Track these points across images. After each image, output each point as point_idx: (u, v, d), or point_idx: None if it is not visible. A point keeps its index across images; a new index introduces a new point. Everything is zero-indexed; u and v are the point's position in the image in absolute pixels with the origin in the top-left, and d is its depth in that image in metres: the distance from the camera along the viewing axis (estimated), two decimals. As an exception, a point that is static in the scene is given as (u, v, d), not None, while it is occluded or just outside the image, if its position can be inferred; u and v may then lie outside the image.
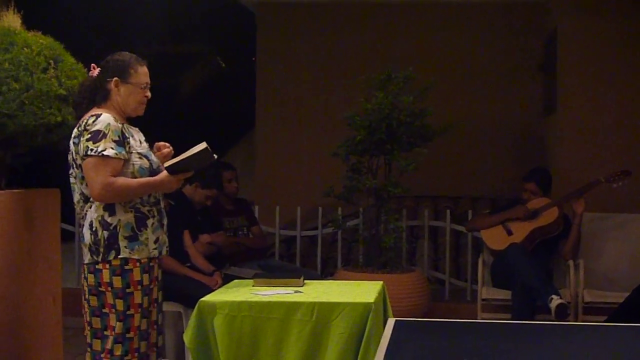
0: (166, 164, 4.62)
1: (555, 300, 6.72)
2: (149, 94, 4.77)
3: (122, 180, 4.51)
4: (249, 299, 4.89)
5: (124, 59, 4.72)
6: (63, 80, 5.32)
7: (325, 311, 4.79)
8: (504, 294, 7.22)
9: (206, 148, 4.59)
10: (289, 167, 11.41)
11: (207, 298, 4.96)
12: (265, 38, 11.80)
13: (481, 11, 11.19)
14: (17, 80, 5.20)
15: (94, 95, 4.68)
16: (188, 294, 6.21)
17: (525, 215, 7.45)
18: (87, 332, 4.65)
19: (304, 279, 5.42)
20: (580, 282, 7.25)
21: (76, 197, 4.65)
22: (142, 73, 4.74)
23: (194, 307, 4.95)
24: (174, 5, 12.93)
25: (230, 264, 7.31)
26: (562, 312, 6.69)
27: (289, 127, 11.50)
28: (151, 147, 4.87)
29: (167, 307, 6.52)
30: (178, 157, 4.62)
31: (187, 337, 4.89)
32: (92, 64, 4.79)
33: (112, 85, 4.66)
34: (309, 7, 11.44)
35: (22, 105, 5.18)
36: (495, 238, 7.50)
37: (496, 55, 11.17)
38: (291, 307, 4.81)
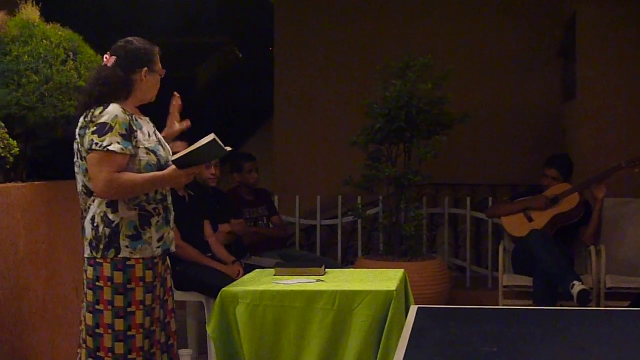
0: (173, 157, 4.40)
1: (577, 287, 6.70)
2: (163, 73, 4.62)
3: (126, 176, 4.30)
4: (271, 288, 4.90)
5: (145, 47, 4.52)
6: (82, 71, 5.34)
7: (347, 299, 4.79)
8: (525, 281, 7.20)
9: (214, 139, 4.36)
10: (307, 156, 11.40)
11: (229, 288, 4.96)
12: (283, 27, 11.78)
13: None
14: (36, 72, 5.22)
15: (114, 89, 4.42)
16: (209, 283, 6.22)
17: (545, 205, 7.43)
18: (82, 327, 4.46)
19: (324, 268, 5.42)
20: (602, 267, 7.23)
21: (79, 187, 4.48)
22: (158, 57, 4.59)
23: (215, 297, 4.95)
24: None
25: (250, 253, 7.32)
26: (584, 298, 6.66)
27: (307, 117, 11.49)
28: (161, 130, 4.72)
29: (189, 297, 6.55)
30: (185, 150, 4.37)
31: (209, 327, 4.90)
32: (106, 54, 4.54)
33: (140, 76, 4.47)
34: (326, -4, 11.43)
35: (41, 98, 5.20)
36: (516, 224, 7.47)
37: (514, 42, 11.13)
38: (313, 296, 4.81)
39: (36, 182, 5.30)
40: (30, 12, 5.53)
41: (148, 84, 4.52)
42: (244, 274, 6.05)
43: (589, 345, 3.68)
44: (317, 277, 5.21)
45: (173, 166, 4.40)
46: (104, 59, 4.52)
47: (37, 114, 5.23)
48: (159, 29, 13.68)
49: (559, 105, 10.87)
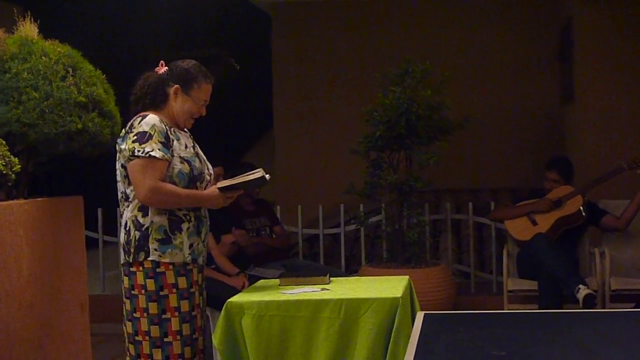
0: (220, 185, 4.57)
1: (583, 291, 6.69)
2: (204, 111, 4.72)
3: (170, 187, 4.42)
4: (276, 298, 4.89)
5: (192, 70, 4.65)
6: (82, 87, 5.33)
7: (353, 307, 4.77)
8: (530, 285, 7.19)
9: (263, 176, 4.62)
10: (308, 165, 11.41)
11: (235, 299, 4.95)
12: (281, 38, 11.81)
13: (496, 2, 11.18)
14: (36, 89, 5.21)
15: (155, 96, 4.61)
16: (214, 295, 6.19)
17: (549, 208, 7.42)
18: (125, 335, 4.58)
19: (329, 277, 5.41)
20: (606, 270, 7.22)
21: (119, 195, 4.59)
22: (205, 90, 4.68)
23: (220, 309, 4.94)
24: (189, 10, 12.97)
25: (254, 264, 7.30)
26: (589, 302, 6.65)
27: (306, 126, 11.51)
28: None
29: (194, 310, 6.54)
30: (233, 180, 4.59)
31: (215, 339, 4.88)
32: (161, 61, 4.71)
33: (172, 91, 4.60)
34: (324, 6, 11.45)
35: (42, 114, 5.20)
36: (520, 228, 7.47)
37: (512, 46, 11.16)
38: (319, 305, 4.80)
39: (38, 199, 5.29)
40: (29, 30, 5.53)
41: (179, 104, 4.62)
42: (249, 285, 6.04)
43: (596, 347, 3.68)
44: (323, 286, 5.19)
45: (214, 188, 4.58)
46: (158, 66, 4.69)
47: (38, 131, 5.22)
48: (156, 43, 13.71)
49: (558, 109, 10.88)
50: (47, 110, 5.19)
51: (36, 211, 5.18)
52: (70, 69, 5.38)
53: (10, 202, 5.04)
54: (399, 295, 4.82)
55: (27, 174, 5.42)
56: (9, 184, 5.08)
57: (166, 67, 4.67)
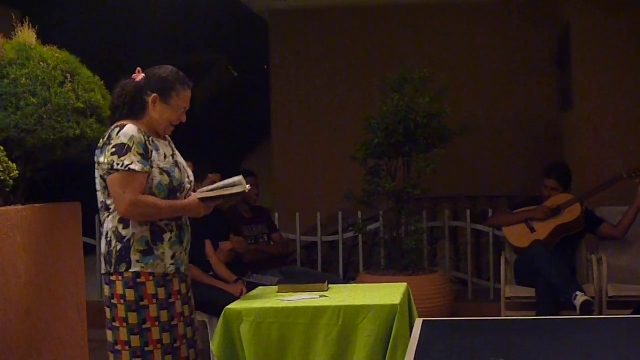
0: (200, 195, 4.52)
1: (580, 298, 6.69)
2: (184, 118, 4.62)
3: (151, 200, 4.37)
4: (275, 305, 4.89)
5: (169, 77, 4.54)
6: (80, 93, 5.33)
7: (351, 314, 4.78)
8: (528, 292, 7.18)
9: (244, 191, 4.57)
10: (306, 173, 11.41)
11: (233, 306, 4.95)
12: (279, 45, 11.82)
13: (493, 9, 11.19)
14: (34, 95, 5.21)
15: (133, 105, 4.51)
16: (213, 302, 6.22)
17: (547, 215, 7.42)
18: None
19: (328, 284, 5.41)
20: (603, 276, 7.22)
21: (99, 204, 4.53)
22: (184, 97, 4.56)
23: (219, 316, 4.94)
24: (188, 16, 12.98)
25: (252, 271, 7.30)
26: (587, 309, 6.65)
27: (305, 133, 11.51)
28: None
29: (192, 316, 6.53)
30: (214, 192, 4.54)
31: (214, 346, 4.88)
32: (138, 68, 4.60)
33: (150, 100, 4.49)
34: (321, 13, 11.46)
35: (40, 120, 5.19)
36: (518, 235, 7.47)
37: (510, 52, 11.17)
38: (317, 312, 4.80)
39: (36, 205, 5.28)
40: (27, 35, 5.53)
41: (158, 113, 4.52)
42: (247, 292, 6.04)
43: (594, 354, 3.68)
44: (321, 293, 5.20)
45: (195, 198, 4.52)
46: (135, 74, 4.58)
47: (36, 137, 5.22)
48: (155, 49, 13.72)
49: (556, 115, 10.89)
50: (45, 116, 5.19)
51: (34, 217, 5.17)
52: (68, 75, 5.38)
53: (8, 208, 5.04)
54: (397, 302, 4.83)
55: (25, 180, 5.42)
56: (7, 189, 5.07)
57: (143, 75, 4.57)
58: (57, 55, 5.45)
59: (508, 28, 11.20)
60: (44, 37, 5.64)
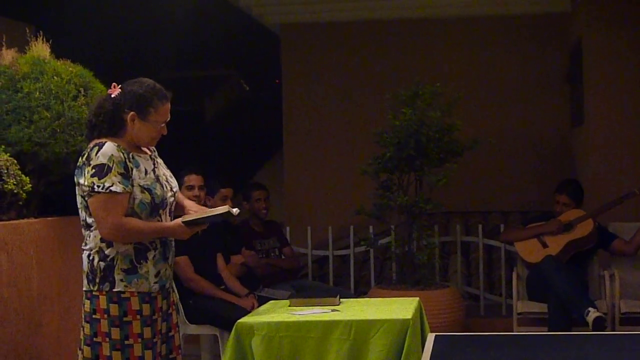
0: (185, 220, 4.39)
1: (593, 314, 6.67)
2: (165, 131, 4.47)
3: (134, 223, 4.27)
4: (287, 319, 4.89)
5: (146, 94, 4.37)
6: (94, 107, 5.34)
7: (363, 329, 4.77)
8: (540, 307, 7.17)
9: (228, 211, 4.45)
10: (318, 187, 11.40)
11: (245, 319, 4.95)
12: (290, 59, 11.82)
13: (505, 25, 11.19)
14: (48, 108, 5.24)
15: (111, 123, 4.36)
16: (224, 316, 6.21)
17: (559, 230, 7.41)
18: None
19: (339, 298, 5.41)
20: (616, 292, 7.20)
21: (81, 222, 4.41)
22: (163, 112, 4.41)
23: (230, 330, 4.94)
24: (201, 31, 13.02)
25: (263, 285, 7.30)
26: (599, 325, 6.63)
27: (316, 147, 11.50)
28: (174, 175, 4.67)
29: (203, 330, 6.55)
30: (198, 215, 4.45)
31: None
32: (114, 83, 4.45)
33: (128, 118, 4.33)
34: (333, 27, 11.47)
35: (53, 134, 5.22)
36: (530, 250, 7.45)
37: (522, 68, 11.15)
38: (329, 326, 4.80)
39: (49, 218, 5.31)
40: (41, 49, 5.57)
41: (137, 130, 4.38)
42: (258, 306, 6.03)
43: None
44: (333, 307, 5.19)
45: (179, 221, 4.40)
46: (111, 88, 4.45)
47: (49, 150, 5.25)
48: (166, 63, 13.76)
49: (568, 132, 10.87)
50: (58, 130, 5.22)
51: (46, 230, 5.19)
52: (81, 89, 5.42)
53: (21, 221, 5.06)
54: (409, 317, 4.82)
55: (38, 194, 5.44)
56: (20, 203, 5.09)
57: (119, 90, 4.39)
58: (70, 69, 5.48)
59: (520, 44, 11.19)
60: (58, 51, 5.67)
